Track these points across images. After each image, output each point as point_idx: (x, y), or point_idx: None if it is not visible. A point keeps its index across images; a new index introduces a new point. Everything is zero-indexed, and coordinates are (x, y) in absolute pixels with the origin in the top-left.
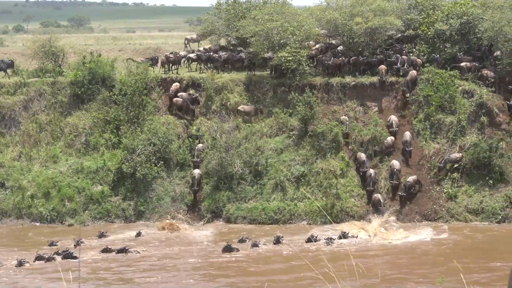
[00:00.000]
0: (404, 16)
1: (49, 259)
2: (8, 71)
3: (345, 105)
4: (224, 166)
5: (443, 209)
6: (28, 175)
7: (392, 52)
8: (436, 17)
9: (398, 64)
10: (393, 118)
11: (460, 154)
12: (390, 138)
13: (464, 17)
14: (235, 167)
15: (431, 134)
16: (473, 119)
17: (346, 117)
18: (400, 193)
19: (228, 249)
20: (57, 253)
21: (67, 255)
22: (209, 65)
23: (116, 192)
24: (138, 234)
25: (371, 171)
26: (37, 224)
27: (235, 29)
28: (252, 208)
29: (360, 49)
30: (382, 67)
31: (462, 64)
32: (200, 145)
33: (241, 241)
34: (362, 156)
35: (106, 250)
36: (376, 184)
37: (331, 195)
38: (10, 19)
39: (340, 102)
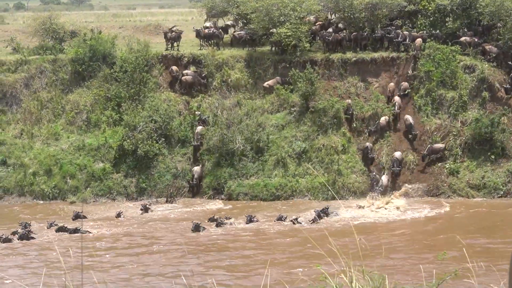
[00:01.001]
0: None
1: (6, 240)
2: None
3: (346, 81)
4: (226, 143)
5: (445, 184)
6: (30, 152)
7: (394, 27)
8: None
9: (399, 39)
10: (397, 99)
11: (443, 144)
12: (384, 118)
13: None
14: (237, 144)
15: (433, 109)
16: (474, 94)
17: (350, 101)
18: (424, 153)
19: (196, 228)
20: (14, 233)
21: (23, 236)
22: (210, 41)
23: (118, 169)
24: (118, 215)
25: (368, 144)
26: (39, 201)
27: (235, 5)
28: (253, 184)
29: (361, 25)
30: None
31: (463, 39)
32: (200, 127)
33: (212, 220)
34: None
35: (61, 229)
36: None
37: (332, 171)
38: None
39: (341, 78)
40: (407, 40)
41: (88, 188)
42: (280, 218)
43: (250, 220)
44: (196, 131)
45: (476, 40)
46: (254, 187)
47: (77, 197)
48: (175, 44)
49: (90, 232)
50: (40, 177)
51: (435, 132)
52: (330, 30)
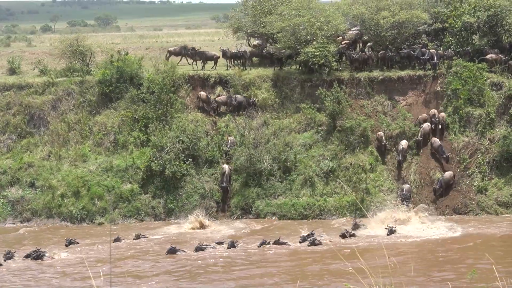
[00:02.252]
0: (431, 9)
1: None
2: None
3: (373, 99)
4: (253, 163)
5: (473, 202)
6: (58, 174)
7: (420, 45)
8: (463, 9)
9: (426, 56)
10: (425, 126)
11: (452, 172)
12: (404, 142)
13: (492, 9)
14: (264, 163)
15: (460, 127)
16: (502, 111)
17: (382, 133)
18: (434, 187)
19: (172, 251)
20: None
21: None
22: (235, 61)
23: (146, 190)
24: (137, 237)
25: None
26: (68, 224)
27: (262, 25)
28: (281, 204)
29: (387, 43)
30: None
31: (489, 56)
32: (232, 137)
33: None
34: (403, 143)
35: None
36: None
37: (360, 190)
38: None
39: (368, 96)
40: (434, 58)
41: (116, 209)
42: (263, 243)
43: (232, 245)
44: (229, 141)
45: (502, 57)
46: (282, 207)
47: (105, 218)
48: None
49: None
50: (68, 199)
51: (463, 150)
52: (358, 49)
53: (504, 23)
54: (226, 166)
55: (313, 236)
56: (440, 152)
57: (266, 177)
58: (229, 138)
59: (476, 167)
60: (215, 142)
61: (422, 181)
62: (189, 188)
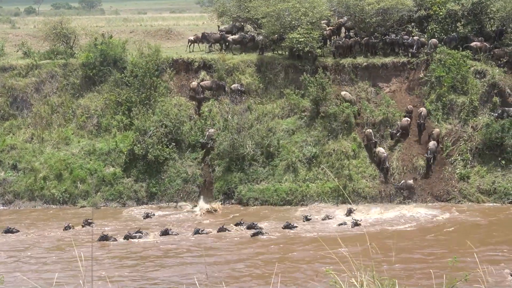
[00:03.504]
0: None
1: None
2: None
3: (357, 86)
4: (236, 148)
5: (455, 189)
6: (40, 157)
7: (404, 33)
8: None
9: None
10: (423, 110)
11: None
12: (405, 119)
13: None
14: (247, 149)
15: (443, 114)
16: (485, 99)
17: (370, 130)
18: (426, 155)
19: (103, 238)
20: None
21: None
22: (219, 46)
23: (128, 174)
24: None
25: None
26: (49, 206)
27: (246, 10)
28: (264, 189)
29: (372, 30)
30: None
31: (473, 44)
32: (212, 129)
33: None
34: (382, 151)
35: None
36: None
37: (343, 176)
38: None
39: (351, 83)
40: (414, 47)
41: (99, 193)
42: (197, 232)
43: (165, 233)
44: (207, 133)
45: (487, 45)
46: (265, 192)
47: (87, 201)
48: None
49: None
50: (50, 182)
51: (446, 137)
52: (341, 35)
53: (488, 11)
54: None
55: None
56: (382, 163)
57: (249, 162)
58: (209, 130)
59: (458, 155)
60: (198, 127)
61: (404, 168)
62: (171, 172)
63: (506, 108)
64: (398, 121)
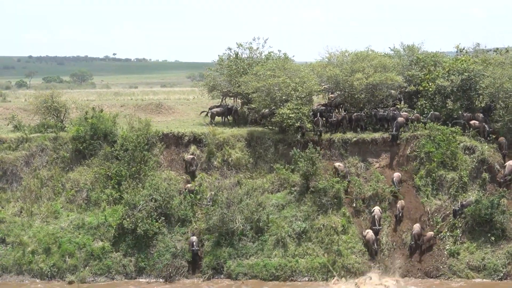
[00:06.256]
0: (406, 72)
1: None
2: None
3: (347, 161)
4: (226, 222)
5: (445, 266)
6: (29, 230)
7: (393, 108)
8: (437, 73)
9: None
10: (396, 175)
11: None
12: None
13: (465, 74)
14: (237, 223)
15: (433, 190)
16: (474, 175)
17: (341, 164)
18: (410, 243)
19: None
20: None
21: None
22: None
23: (117, 248)
24: None
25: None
26: (37, 280)
27: (237, 85)
28: (253, 264)
29: (361, 105)
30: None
31: (472, 122)
32: (213, 192)
33: None
34: (376, 209)
35: None
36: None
37: (332, 251)
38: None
39: (341, 158)
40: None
41: (87, 267)
42: None
43: None
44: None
45: (485, 126)
46: (254, 267)
47: (75, 276)
48: None
49: None
50: (39, 256)
51: (436, 213)
52: (331, 110)
53: (477, 87)
54: (194, 238)
55: None
56: (371, 243)
57: (238, 237)
58: (210, 192)
59: (448, 231)
60: (188, 201)
61: (394, 243)
62: (160, 246)
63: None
64: (398, 202)
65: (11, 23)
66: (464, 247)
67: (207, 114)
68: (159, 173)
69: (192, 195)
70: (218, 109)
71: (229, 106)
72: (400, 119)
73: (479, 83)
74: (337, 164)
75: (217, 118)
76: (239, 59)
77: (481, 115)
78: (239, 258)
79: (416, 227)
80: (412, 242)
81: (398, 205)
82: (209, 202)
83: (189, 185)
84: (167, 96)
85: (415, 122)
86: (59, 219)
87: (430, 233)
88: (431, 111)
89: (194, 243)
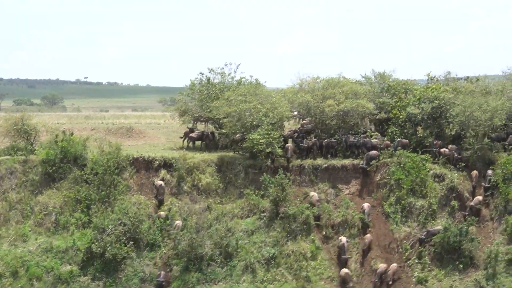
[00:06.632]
0: (377, 100)
1: None
2: None
3: (317, 187)
4: (194, 247)
5: None
6: None
7: (363, 135)
8: (408, 101)
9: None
10: (366, 205)
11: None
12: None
13: (436, 101)
14: (205, 248)
15: (402, 217)
16: (443, 203)
17: (316, 194)
18: (373, 280)
19: None
20: None
21: None
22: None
23: (85, 272)
24: None
25: (344, 239)
26: None
27: (208, 110)
28: None
29: (332, 132)
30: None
31: (442, 150)
32: (179, 222)
33: None
34: (343, 239)
35: None
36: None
37: (301, 277)
38: None
39: (312, 184)
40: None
41: None
42: None
43: None
44: (175, 225)
45: (454, 153)
46: None
47: None
48: None
49: None
50: (6, 279)
51: (404, 240)
52: (302, 136)
53: (447, 115)
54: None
55: None
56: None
57: (207, 262)
58: (176, 222)
59: (416, 258)
60: (157, 226)
61: (363, 270)
62: (129, 271)
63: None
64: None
65: None
66: (432, 275)
67: (185, 139)
68: (129, 197)
69: (162, 220)
70: (194, 134)
71: (204, 132)
72: (372, 152)
73: (450, 111)
74: (312, 193)
75: (196, 143)
76: (211, 84)
77: (454, 146)
78: (208, 283)
79: (382, 266)
80: (377, 280)
81: (366, 240)
82: (176, 230)
83: (162, 212)
84: (138, 120)
85: (385, 149)
86: (27, 242)
87: (394, 266)
88: (398, 138)
89: (161, 275)
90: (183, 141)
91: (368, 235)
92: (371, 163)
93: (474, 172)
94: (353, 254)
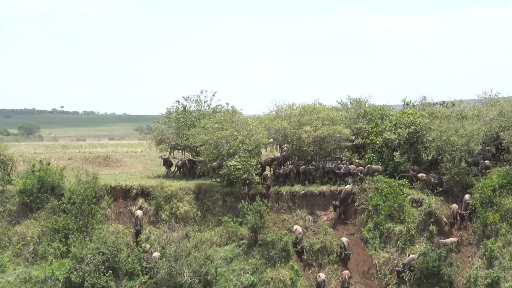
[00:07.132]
0: (353, 125)
1: None
2: None
3: (295, 213)
4: (174, 276)
5: None
6: None
7: (340, 161)
8: (384, 126)
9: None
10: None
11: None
12: (349, 187)
13: (412, 127)
14: (185, 277)
15: (381, 243)
16: (422, 227)
17: (299, 228)
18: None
19: None
20: None
21: None
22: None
23: None
24: None
25: (323, 276)
26: None
27: (185, 138)
28: None
29: (309, 158)
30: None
31: (420, 175)
32: (157, 253)
33: None
34: (322, 276)
35: None
36: None
37: None
38: None
39: (290, 210)
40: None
41: None
42: None
43: None
44: (152, 255)
45: (431, 179)
46: None
47: None
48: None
49: None
50: None
51: (383, 266)
52: (280, 163)
53: (424, 140)
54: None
55: None
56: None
57: None
58: (155, 253)
59: (396, 284)
60: (136, 254)
61: None
62: None
63: (443, 241)
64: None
65: None
66: None
67: (167, 167)
68: (107, 226)
69: (141, 249)
70: (179, 162)
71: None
72: (348, 187)
73: (426, 136)
74: (295, 226)
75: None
76: (187, 112)
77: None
78: None
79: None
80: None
81: (345, 276)
82: (153, 260)
83: (148, 245)
84: (115, 149)
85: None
86: (5, 272)
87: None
88: (368, 165)
89: None
90: (166, 170)
91: (346, 271)
92: (344, 204)
93: (454, 206)
94: (332, 281)
